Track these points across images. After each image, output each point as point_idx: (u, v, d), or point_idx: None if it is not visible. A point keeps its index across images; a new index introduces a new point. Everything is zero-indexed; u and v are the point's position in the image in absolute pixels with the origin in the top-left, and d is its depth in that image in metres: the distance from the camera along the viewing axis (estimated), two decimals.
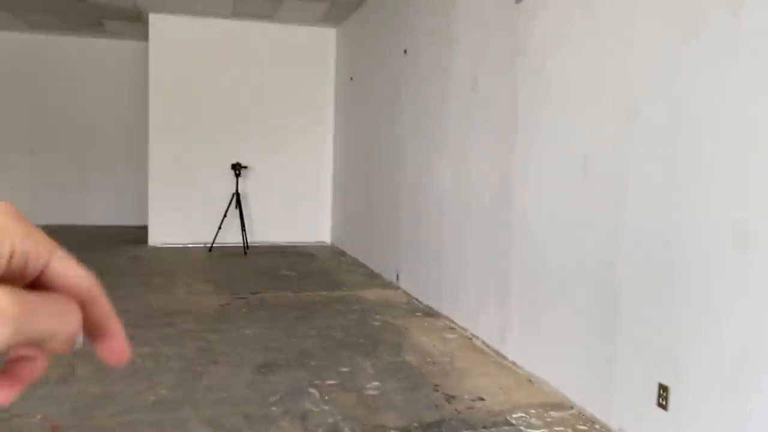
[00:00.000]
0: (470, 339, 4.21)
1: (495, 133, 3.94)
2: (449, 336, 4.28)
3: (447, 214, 4.69)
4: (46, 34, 9.21)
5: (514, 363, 3.68)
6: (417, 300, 5.25)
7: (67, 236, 8.47)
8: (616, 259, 2.79)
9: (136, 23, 8.31)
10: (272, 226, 8.40)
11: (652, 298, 2.56)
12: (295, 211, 8.53)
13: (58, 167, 9.49)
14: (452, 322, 4.55)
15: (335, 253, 7.85)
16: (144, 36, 8.97)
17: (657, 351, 2.53)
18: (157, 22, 7.84)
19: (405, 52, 5.64)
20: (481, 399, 3.18)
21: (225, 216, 7.74)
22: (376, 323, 4.55)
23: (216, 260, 7.12)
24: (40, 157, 9.41)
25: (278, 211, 8.44)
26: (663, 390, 2.46)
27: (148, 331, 4.15)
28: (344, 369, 3.55)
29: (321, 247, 8.27)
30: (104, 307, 0.34)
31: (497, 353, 3.87)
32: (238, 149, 8.18)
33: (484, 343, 4.05)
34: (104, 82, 9.55)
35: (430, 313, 4.87)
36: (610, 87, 2.88)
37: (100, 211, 9.64)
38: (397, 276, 5.78)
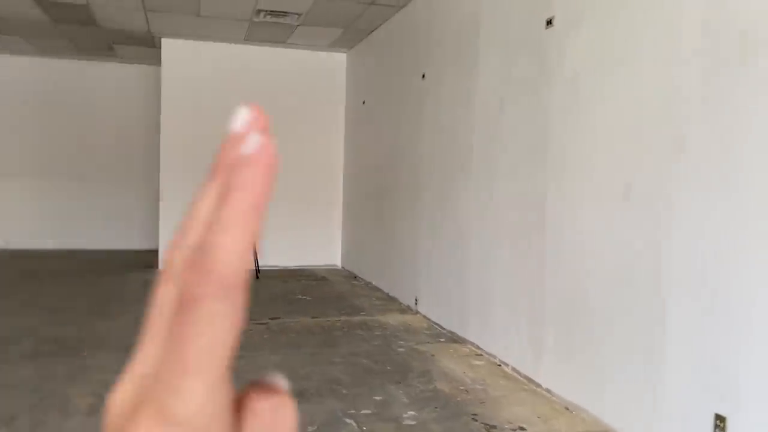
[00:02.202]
0: (499, 365, 4.14)
1: (525, 157, 3.92)
2: (477, 362, 4.22)
3: (471, 238, 4.65)
4: (56, 59, 9.22)
5: (548, 390, 3.62)
6: (438, 325, 5.18)
7: (77, 261, 8.40)
8: (663, 286, 2.75)
9: (146, 48, 8.33)
10: (282, 249, 8.34)
11: (706, 324, 2.52)
12: (306, 235, 8.48)
13: (68, 191, 9.44)
14: (478, 348, 4.49)
15: (347, 276, 7.79)
16: (154, 60, 9.00)
17: (712, 379, 2.48)
18: (169, 47, 7.86)
19: (423, 76, 5.65)
20: (522, 429, 3.11)
21: None
22: (401, 349, 4.48)
23: None
24: (50, 181, 9.37)
25: (288, 235, 8.38)
26: (720, 420, 2.41)
27: None
28: (377, 397, 3.48)
29: (332, 271, 8.21)
30: None
31: (529, 380, 3.81)
32: None
33: (514, 369, 3.98)
34: (114, 106, 9.55)
35: (455, 338, 4.81)
36: (654, 113, 2.86)
37: (108, 235, 9.58)
38: (416, 301, 5.72)
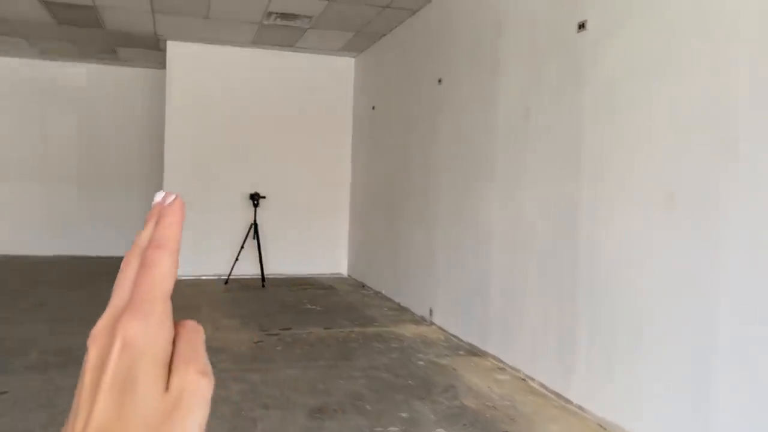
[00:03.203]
0: (524, 380, 4.00)
1: (555, 165, 3.79)
2: (501, 377, 4.08)
3: (493, 247, 4.52)
4: (59, 61, 9.07)
5: (580, 407, 3.48)
6: (456, 337, 5.04)
7: (79, 268, 8.22)
8: (714, 300, 2.62)
9: (150, 51, 8.19)
10: (287, 257, 8.19)
11: (763, 342, 2.39)
12: (311, 242, 8.33)
13: (70, 196, 9.26)
14: (501, 362, 4.35)
15: (354, 285, 7.64)
16: (157, 63, 8.86)
17: None
18: (175, 49, 7.72)
19: (440, 81, 5.53)
20: None
21: (242, 247, 7.53)
22: (421, 363, 4.34)
23: (235, 293, 6.89)
24: (52, 186, 9.19)
25: (294, 242, 8.23)
26: None
27: None
28: (403, 414, 3.34)
29: (338, 279, 8.06)
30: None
31: (559, 396, 3.67)
32: (254, 179, 8.01)
33: (542, 385, 3.84)
34: (116, 109, 9.39)
35: (474, 351, 4.67)
36: (700, 119, 2.74)
37: (109, 241, 9.38)
38: (431, 311, 5.58)
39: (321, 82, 8.26)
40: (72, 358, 4.11)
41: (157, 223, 0.37)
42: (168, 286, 0.35)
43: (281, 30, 6.96)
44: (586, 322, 3.46)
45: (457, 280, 5.11)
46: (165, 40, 7.63)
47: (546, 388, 3.80)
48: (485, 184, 4.67)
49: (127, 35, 7.41)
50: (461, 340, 4.94)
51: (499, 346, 4.41)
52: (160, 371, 0.33)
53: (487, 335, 4.58)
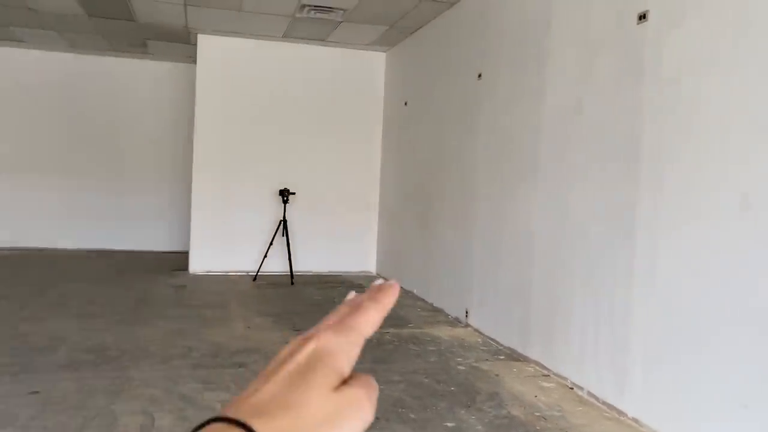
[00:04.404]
0: (571, 389, 3.82)
1: (609, 163, 3.60)
2: (546, 385, 3.90)
3: (536, 248, 4.34)
4: (88, 55, 9.02)
5: (635, 420, 3.29)
6: (494, 341, 4.87)
7: (106, 262, 8.18)
8: None
9: (180, 44, 8.11)
10: (315, 254, 8.06)
11: None
12: (340, 239, 8.19)
13: (97, 190, 9.22)
14: (544, 368, 4.17)
15: None
16: (186, 57, 8.78)
17: None
18: (205, 43, 7.62)
19: (479, 76, 5.35)
20: None
21: (271, 244, 7.41)
22: (462, 368, 4.17)
23: (264, 290, 6.78)
24: (78, 180, 9.16)
25: (322, 239, 8.10)
26: None
27: (221, 374, 3.80)
28: (449, 424, 3.18)
29: (367, 278, 7.91)
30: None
31: (610, 407, 3.48)
32: (283, 174, 7.89)
33: (591, 394, 3.66)
34: (145, 103, 9.33)
35: (515, 356, 4.49)
36: None
37: (136, 236, 9.35)
38: (467, 313, 5.41)
39: (352, 76, 8.11)
40: (103, 358, 4.01)
41: (378, 289, 0.41)
42: (368, 330, 0.39)
43: (313, 23, 6.82)
44: (641, 330, 3.27)
45: (495, 281, 4.93)
46: (195, 34, 7.53)
47: (596, 397, 3.61)
48: (527, 183, 4.49)
49: (158, 28, 7.32)
50: (500, 344, 4.77)
51: (542, 351, 4.23)
52: (335, 379, 0.36)
53: (528, 339, 4.40)
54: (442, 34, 6.27)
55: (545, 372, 4.13)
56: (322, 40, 7.59)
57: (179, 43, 8.06)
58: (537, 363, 4.27)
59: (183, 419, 3.05)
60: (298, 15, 6.50)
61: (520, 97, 4.65)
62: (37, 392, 3.33)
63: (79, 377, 3.61)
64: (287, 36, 7.47)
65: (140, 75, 9.27)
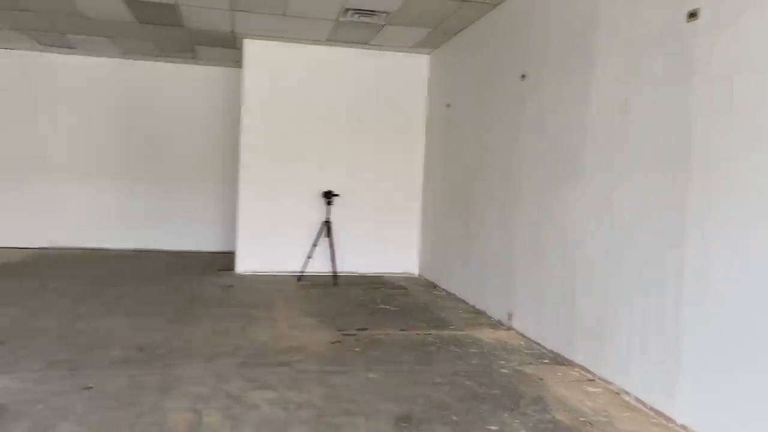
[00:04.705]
0: (618, 394, 3.76)
1: (658, 164, 3.53)
2: (592, 389, 3.84)
3: (583, 250, 4.28)
4: (138, 60, 9.29)
5: (684, 427, 3.22)
6: (538, 344, 4.82)
7: (154, 262, 8.39)
8: None
9: (226, 49, 8.27)
10: (358, 255, 8.11)
11: None
12: (382, 241, 8.22)
13: (146, 192, 9.50)
14: (589, 372, 4.11)
15: (426, 285, 7.49)
16: (233, 62, 8.95)
17: None
18: (251, 47, 7.75)
19: (523, 77, 5.30)
20: None
21: (315, 245, 7.49)
22: (504, 371, 4.15)
23: (308, 290, 6.86)
24: (131, 182, 9.45)
25: (364, 240, 8.15)
26: None
27: (266, 372, 3.86)
28: (492, 427, 3.16)
29: (409, 279, 7.93)
30: None
31: (658, 413, 3.41)
32: (327, 176, 7.97)
33: (638, 400, 3.59)
34: (193, 107, 9.55)
35: (559, 360, 4.44)
36: None
37: (185, 236, 9.59)
38: (510, 315, 5.36)
39: (394, 79, 8.14)
40: (152, 355, 4.13)
41: None
42: None
43: (357, 27, 6.87)
44: (692, 333, 3.19)
45: (538, 284, 4.88)
46: (242, 39, 7.67)
47: (643, 403, 3.54)
48: (572, 184, 4.43)
49: (205, 33, 7.49)
50: (544, 347, 4.71)
51: (587, 355, 4.17)
52: None
53: (573, 343, 4.34)
54: (486, 35, 6.24)
55: (591, 376, 4.07)
56: (365, 43, 7.63)
57: (226, 48, 8.22)
58: (582, 367, 4.21)
59: (230, 417, 3.12)
60: (341, 19, 6.56)
61: (565, 98, 4.60)
62: (91, 387, 3.45)
63: (130, 374, 3.72)
64: (331, 40, 7.54)
65: (188, 79, 9.50)
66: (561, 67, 4.69)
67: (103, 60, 9.24)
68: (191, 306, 5.74)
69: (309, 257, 7.50)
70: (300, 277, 7.57)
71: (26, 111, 9.17)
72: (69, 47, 8.64)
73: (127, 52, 8.85)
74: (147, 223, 9.50)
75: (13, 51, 9.01)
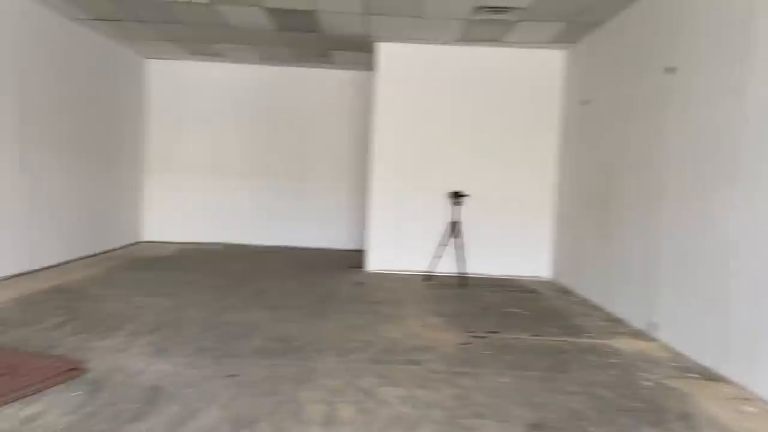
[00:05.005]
0: None
1: None
2: (748, 409, 3.51)
3: (738, 256, 3.92)
4: (276, 66, 9.76)
5: None
6: (684, 356, 4.48)
7: (289, 258, 8.77)
8: None
9: (359, 53, 8.46)
10: (487, 257, 7.99)
11: None
12: (511, 243, 8.05)
13: (283, 191, 9.98)
14: (745, 390, 3.76)
15: (558, 290, 7.23)
16: (365, 65, 9.15)
17: None
18: (384, 50, 7.88)
19: (669, 70, 4.96)
20: None
21: (444, 245, 7.48)
22: (647, 383, 3.89)
23: (435, 290, 6.85)
24: (270, 182, 9.97)
25: (493, 242, 8.02)
26: None
27: (396, 370, 3.90)
28: None
29: (540, 283, 7.69)
30: None
31: None
32: (455, 176, 7.93)
33: None
34: (325, 110, 9.90)
35: (709, 375, 4.10)
36: None
37: (316, 234, 9.98)
38: (653, 325, 5.04)
39: (527, 76, 7.94)
40: (290, 347, 4.30)
41: None
42: None
43: (489, 25, 6.77)
44: None
45: (685, 292, 4.54)
46: (375, 42, 7.82)
47: None
48: (727, 185, 4.07)
49: (340, 38, 7.71)
50: (692, 361, 4.38)
51: (742, 372, 3.82)
52: None
53: (726, 357, 3.99)
54: (628, 27, 5.91)
55: (746, 395, 3.72)
56: (497, 41, 7.51)
57: (359, 52, 8.42)
58: (736, 384, 3.86)
59: (362, 411, 3.17)
60: (474, 17, 6.50)
61: (719, 91, 4.24)
62: (235, 375, 3.65)
63: (269, 364, 3.90)
64: (462, 39, 7.49)
65: (321, 82, 9.86)
66: (713, 58, 4.33)
67: (244, 66, 9.81)
68: (325, 301, 5.93)
69: (437, 257, 7.49)
70: (427, 277, 7.59)
71: (180, 116, 9.94)
72: (216, 55, 9.24)
73: (266, 59, 9.32)
74: (283, 220, 9.98)
75: (168, 61, 9.80)
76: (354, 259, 8.74)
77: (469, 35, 7.30)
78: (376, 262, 8.04)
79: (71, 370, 3.52)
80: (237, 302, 5.74)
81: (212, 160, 9.98)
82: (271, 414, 3.09)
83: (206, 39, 8.17)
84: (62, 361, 3.65)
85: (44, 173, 6.92)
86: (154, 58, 9.76)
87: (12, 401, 3.07)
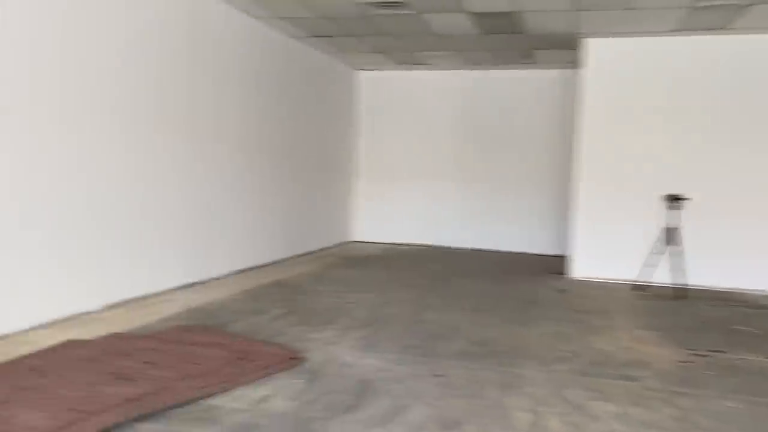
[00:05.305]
0: None
1: None
2: None
3: None
4: (477, 69, 9.81)
5: None
6: None
7: (487, 261, 8.75)
8: None
9: (562, 51, 8.18)
10: (706, 267, 7.25)
11: None
12: (740, 252, 7.21)
13: (484, 194, 10.03)
14: None
15: None
16: (567, 63, 8.83)
17: None
18: (592, 46, 7.53)
19: None
20: None
21: (658, 253, 6.94)
22: None
23: (646, 302, 6.38)
24: (466, 185, 10.08)
25: (716, 251, 7.25)
26: None
27: (606, 384, 3.70)
28: None
29: None
30: None
31: None
32: (671, 178, 7.31)
33: None
34: (527, 111, 9.74)
35: None
36: None
37: (513, 238, 9.87)
38: None
39: (759, 67, 7.07)
40: (492, 352, 4.28)
41: None
42: None
43: (715, 11, 6.15)
44: None
45: None
46: (581, 39, 7.51)
47: None
48: None
49: (545, 37, 7.52)
50: None
51: None
52: None
53: None
54: None
55: None
56: (723, 28, 6.80)
57: (562, 50, 8.15)
58: None
59: (569, 424, 3.05)
60: (696, 4, 5.94)
61: None
62: (440, 376, 3.73)
63: (470, 367, 3.92)
64: (680, 29, 6.90)
65: (521, 83, 9.73)
66: None
67: (447, 72, 10.00)
68: (527, 307, 5.82)
69: (649, 266, 6.97)
70: (638, 287, 7.09)
71: (386, 123, 10.43)
72: (422, 63, 9.54)
73: (467, 63, 9.40)
74: (483, 223, 10.01)
75: (375, 72, 10.32)
76: (554, 264, 8.47)
77: (688, 24, 6.70)
78: (579, 269, 7.71)
79: (292, 359, 3.85)
80: (437, 302, 5.85)
81: (416, 164, 10.33)
82: (479, 416, 3.10)
83: (411, 48, 8.47)
84: (286, 350, 4.01)
85: (267, 180, 7.66)
86: (364, 69, 10.34)
87: (247, 383, 3.44)
